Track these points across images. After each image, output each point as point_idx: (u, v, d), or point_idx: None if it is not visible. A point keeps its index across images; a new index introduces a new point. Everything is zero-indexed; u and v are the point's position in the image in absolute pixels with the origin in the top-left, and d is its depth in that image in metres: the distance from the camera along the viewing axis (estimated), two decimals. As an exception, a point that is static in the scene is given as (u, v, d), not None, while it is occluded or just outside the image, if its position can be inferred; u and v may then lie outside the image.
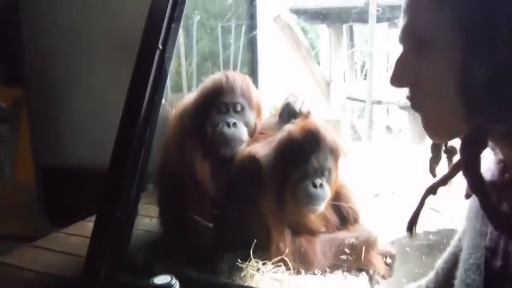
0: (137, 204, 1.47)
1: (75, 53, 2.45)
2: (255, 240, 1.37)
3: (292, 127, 1.43)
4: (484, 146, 0.63)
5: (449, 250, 0.90)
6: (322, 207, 1.42)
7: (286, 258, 1.37)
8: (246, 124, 1.54)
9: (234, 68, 2.57)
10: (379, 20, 3.67)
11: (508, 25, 0.58)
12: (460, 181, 0.68)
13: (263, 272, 1.35)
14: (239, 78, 1.54)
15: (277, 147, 1.42)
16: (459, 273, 0.75)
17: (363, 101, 3.97)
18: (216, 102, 1.52)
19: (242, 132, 1.51)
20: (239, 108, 1.53)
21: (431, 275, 0.94)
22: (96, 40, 2.38)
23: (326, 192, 1.40)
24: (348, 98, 4.40)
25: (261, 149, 1.45)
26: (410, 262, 1.47)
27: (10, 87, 2.45)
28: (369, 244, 1.43)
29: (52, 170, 2.44)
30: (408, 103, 0.73)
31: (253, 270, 1.35)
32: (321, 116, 1.65)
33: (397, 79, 0.72)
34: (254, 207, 1.41)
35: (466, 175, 0.63)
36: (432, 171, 0.79)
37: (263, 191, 1.42)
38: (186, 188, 1.48)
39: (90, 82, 2.44)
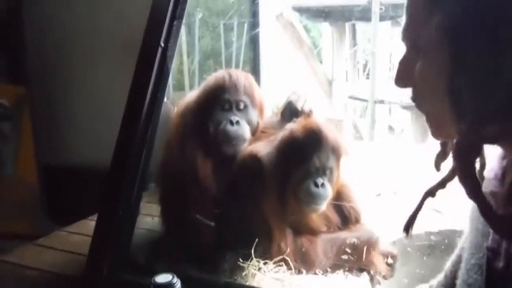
0: (139, 203, 1.47)
1: (78, 51, 2.46)
2: (257, 240, 1.37)
3: (294, 126, 1.43)
4: (477, 151, 0.62)
5: (456, 252, 0.90)
6: (324, 206, 1.42)
7: (287, 258, 1.37)
8: (249, 123, 1.54)
9: (236, 66, 2.57)
10: (382, 18, 3.66)
11: (495, 31, 0.58)
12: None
13: (265, 271, 1.35)
14: (242, 76, 1.54)
15: (279, 146, 1.42)
16: (461, 273, 0.75)
17: (365, 100, 3.97)
18: (219, 100, 1.51)
19: (245, 130, 1.51)
20: (242, 106, 1.53)
21: (440, 277, 0.94)
22: (98, 38, 2.38)
23: (327, 192, 1.40)
24: (350, 97, 4.39)
25: (263, 148, 1.45)
26: (411, 263, 1.47)
27: (12, 85, 2.46)
28: (370, 244, 1.43)
29: (54, 168, 2.45)
30: (410, 102, 0.73)
31: (255, 269, 1.35)
32: (323, 115, 1.64)
33: (401, 80, 0.72)
34: (256, 206, 1.41)
35: (461, 182, 0.62)
36: (437, 166, 0.78)
37: (264, 190, 1.42)
38: (187, 186, 1.48)
39: (93, 80, 2.45)
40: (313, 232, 1.44)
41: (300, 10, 4.13)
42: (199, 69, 2.69)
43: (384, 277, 1.42)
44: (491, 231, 0.70)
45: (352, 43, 4.61)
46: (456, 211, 1.50)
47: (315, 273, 1.38)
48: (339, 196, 1.50)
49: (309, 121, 1.43)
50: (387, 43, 4.26)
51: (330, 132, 1.40)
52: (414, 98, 0.72)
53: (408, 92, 0.73)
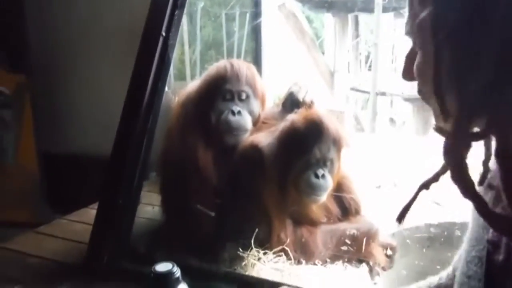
0: (140, 192, 1.47)
1: (79, 40, 2.45)
2: (257, 230, 1.38)
3: (295, 117, 1.43)
4: (467, 149, 0.62)
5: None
6: (324, 197, 1.42)
7: (287, 248, 1.37)
8: (251, 113, 1.53)
9: (238, 56, 2.56)
10: (385, 10, 3.64)
11: (483, 25, 0.58)
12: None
13: (264, 261, 1.36)
14: (244, 66, 1.53)
15: (280, 137, 1.42)
16: (461, 265, 0.75)
17: (367, 92, 3.96)
18: (221, 90, 1.51)
19: (247, 120, 1.51)
20: (244, 97, 1.52)
21: (449, 270, 0.94)
22: (100, 27, 2.37)
23: (328, 183, 1.40)
24: (352, 89, 4.38)
25: (264, 138, 1.45)
26: (410, 254, 1.48)
27: (13, 74, 2.45)
28: (370, 235, 1.43)
29: (55, 156, 2.45)
30: (411, 95, 0.73)
31: (254, 259, 1.36)
32: (325, 106, 1.64)
33: (407, 73, 0.72)
34: (256, 196, 1.41)
35: (454, 181, 0.62)
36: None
37: (265, 181, 1.42)
38: (188, 176, 1.48)
39: (93, 68, 2.44)
40: (313, 223, 1.45)
41: (303, 0, 4.11)
42: (200, 59, 2.68)
43: (383, 269, 1.43)
44: None
45: (354, 34, 4.58)
46: (455, 204, 1.50)
47: (315, 264, 1.39)
48: (339, 188, 1.50)
49: (310, 112, 1.42)
50: (389, 34, 4.24)
51: (331, 124, 1.40)
52: (419, 91, 0.72)
53: (411, 84, 0.73)
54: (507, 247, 0.65)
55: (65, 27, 2.47)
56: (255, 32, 2.57)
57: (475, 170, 0.66)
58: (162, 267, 0.95)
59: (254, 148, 1.43)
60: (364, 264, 1.42)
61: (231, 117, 1.48)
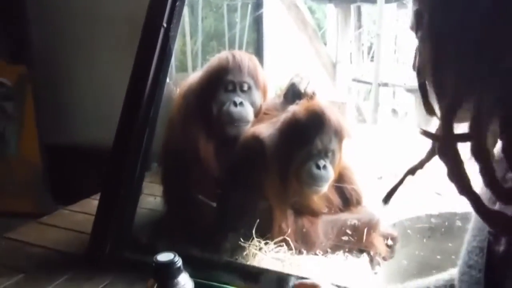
0: (141, 182, 1.48)
1: (81, 32, 2.44)
2: (258, 220, 1.38)
3: (296, 108, 1.43)
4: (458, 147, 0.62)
5: None
6: (325, 188, 1.43)
7: (288, 238, 1.38)
8: (252, 104, 1.53)
9: (240, 47, 2.54)
10: (387, 0, 3.61)
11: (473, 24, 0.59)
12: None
13: (265, 251, 1.36)
14: (246, 57, 1.53)
15: (281, 128, 1.42)
16: (462, 254, 0.75)
17: (369, 83, 3.94)
18: (223, 81, 1.50)
19: (248, 111, 1.51)
20: (246, 88, 1.52)
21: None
22: (102, 18, 2.36)
23: (329, 174, 1.40)
24: (354, 80, 4.36)
25: (265, 129, 1.45)
26: (411, 244, 1.49)
27: (15, 65, 2.45)
28: (371, 226, 1.44)
29: (58, 148, 2.46)
30: (414, 86, 0.73)
31: (256, 249, 1.36)
32: (326, 97, 1.63)
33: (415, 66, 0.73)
34: (258, 187, 1.41)
35: (450, 179, 0.61)
36: None
37: (266, 172, 1.42)
38: (189, 167, 1.48)
39: (95, 60, 2.43)
40: (314, 214, 1.45)
41: (305, -9, 4.07)
42: (202, 50, 2.67)
43: (384, 259, 1.43)
44: None
45: (357, 25, 4.55)
46: (456, 194, 1.50)
47: (316, 254, 1.40)
48: (340, 178, 1.51)
49: (312, 103, 1.42)
50: (392, 25, 4.21)
51: (333, 115, 1.40)
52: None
53: (413, 75, 0.74)
54: (508, 239, 0.65)
55: (67, 18, 2.46)
56: (257, 23, 2.56)
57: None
58: (164, 257, 0.95)
59: (256, 139, 1.43)
60: (365, 254, 1.42)
61: (233, 108, 1.48)
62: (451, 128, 0.61)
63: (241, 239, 1.39)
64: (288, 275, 1.21)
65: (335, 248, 1.42)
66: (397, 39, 4.37)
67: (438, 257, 1.36)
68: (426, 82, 0.69)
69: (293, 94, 1.54)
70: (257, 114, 1.55)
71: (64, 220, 1.70)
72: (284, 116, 1.44)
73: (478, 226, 0.73)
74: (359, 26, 4.59)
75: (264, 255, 1.35)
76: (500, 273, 0.65)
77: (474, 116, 0.59)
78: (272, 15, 2.69)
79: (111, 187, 1.43)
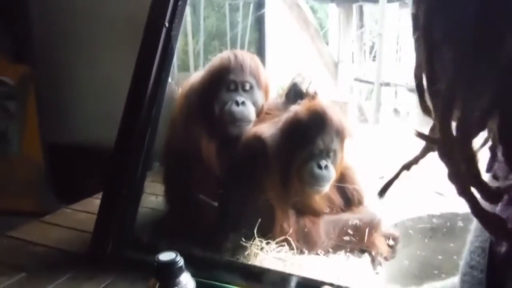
0: (143, 182, 1.48)
1: (83, 31, 2.44)
2: (259, 220, 1.39)
3: (298, 108, 1.43)
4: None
5: None
6: (327, 188, 1.43)
7: (289, 238, 1.38)
8: (254, 104, 1.53)
9: (242, 47, 2.54)
10: (389, -1, 3.61)
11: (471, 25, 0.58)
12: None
13: (267, 251, 1.36)
14: (247, 57, 1.53)
15: (283, 128, 1.42)
16: (464, 254, 0.75)
17: (371, 83, 3.94)
18: (225, 80, 1.50)
19: (250, 111, 1.51)
20: (247, 87, 1.52)
21: None
22: (104, 18, 2.36)
23: (331, 174, 1.40)
24: (356, 79, 4.36)
25: (267, 129, 1.45)
26: (413, 245, 1.48)
27: (17, 64, 2.45)
28: (372, 226, 1.44)
29: (60, 147, 2.46)
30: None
31: (257, 249, 1.36)
32: (328, 97, 1.63)
33: None
34: (259, 187, 1.41)
35: (450, 179, 0.61)
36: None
37: (268, 171, 1.42)
38: (191, 166, 1.48)
39: (98, 59, 2.44)
40: (315, 213, 1.45)
41: (307, -10, 4.07)
42: (204, 49, 2.67)
43: (386, 259, 1.43)
44: None
45: (359, 24, 4.55)
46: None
47: (317, 254, 1.40)
48: (342, 178, 1.51)
49: (313, 103, 1.42)
50: (394, 24, 4.21)
51: (335, 114, 1.40)
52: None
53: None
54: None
55: (69, 17, 2.46)
56: (259, 23, 2.56)
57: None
58: (166, 256, 0.95)
59: (258, 139, 1.43)
60: (366, 254, 1.42)
61: (235, 108, 1.48)
62: (449, 129, 0.61)
63: (243, 239, 1.39)
64: (290, 275, 1.21)
65: (336, 248, 1.42)
66: (399, 38, 4.37)
67: (440, 257, 1.36)
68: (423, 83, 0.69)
69: (295, 93, 1.54)
70: (259, 113, 1.55)
71: (66, 219, 1.71)
72: (286, 116, 1.44)
73: (480, 227, 0.73)
74: (361, 26, 4.58)
75: (266, 255, 1.35)
76: (502, 274, 0.65)
77: (461, 117, 0.59)
78: (274, 15, 2.69)
79: (113, 186, 1.43)
